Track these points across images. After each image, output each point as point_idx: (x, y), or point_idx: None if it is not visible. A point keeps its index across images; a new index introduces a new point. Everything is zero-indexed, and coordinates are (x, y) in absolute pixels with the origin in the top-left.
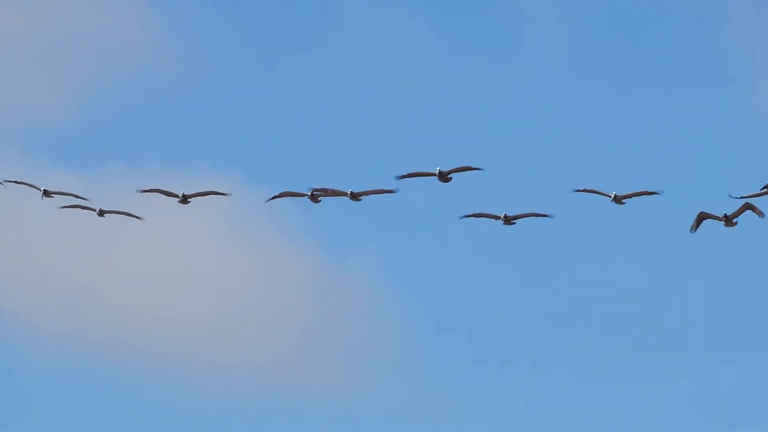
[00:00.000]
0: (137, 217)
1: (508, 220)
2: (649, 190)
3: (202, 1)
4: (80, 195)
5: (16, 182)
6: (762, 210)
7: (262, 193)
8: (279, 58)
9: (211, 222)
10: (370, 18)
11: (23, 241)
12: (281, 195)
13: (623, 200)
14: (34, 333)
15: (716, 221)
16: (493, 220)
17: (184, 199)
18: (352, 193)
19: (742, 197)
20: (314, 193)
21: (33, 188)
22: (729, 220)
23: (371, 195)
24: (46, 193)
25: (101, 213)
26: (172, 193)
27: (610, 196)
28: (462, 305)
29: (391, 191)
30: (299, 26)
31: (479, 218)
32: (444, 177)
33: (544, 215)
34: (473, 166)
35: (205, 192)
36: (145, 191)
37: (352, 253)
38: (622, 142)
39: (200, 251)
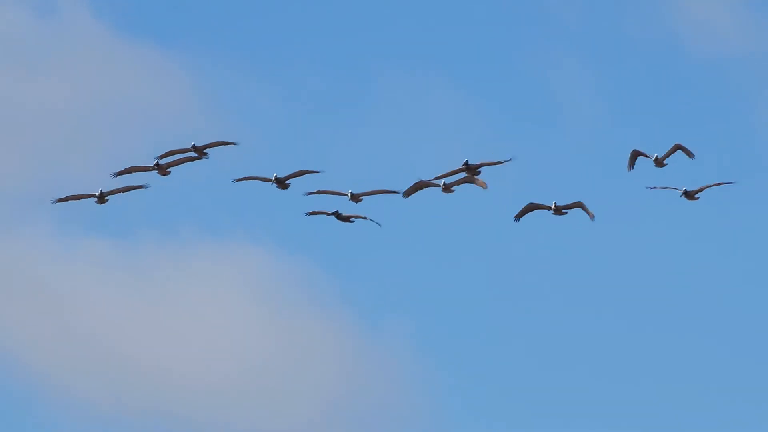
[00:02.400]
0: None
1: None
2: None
3: (239, 67)
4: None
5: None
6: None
7: (294, 261)
8: (318, 126)
9: (242, 288)
10: (411, 86)
11: (47, 301)
12: (247, 178)
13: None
14: (56, 394)
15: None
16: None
17: (162, 170)
18: (352, 194)
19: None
20: (310, 194)
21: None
22: (659, 162)
23: (373, 195)
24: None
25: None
26: (147, 168)
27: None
28: (493, 377)
29: (395, 192)
30: (340, 95)
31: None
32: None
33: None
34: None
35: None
36: (120, 173)
37: (383, 321)
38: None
39: (230, 317)
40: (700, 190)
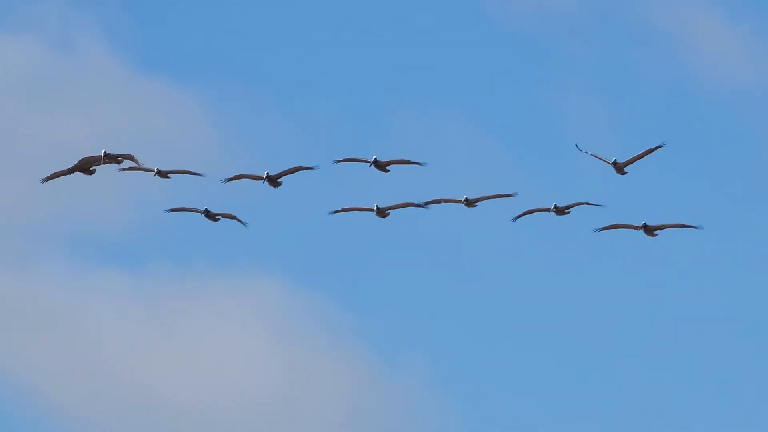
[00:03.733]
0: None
1: (382, 212)
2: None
3: (256, 103)
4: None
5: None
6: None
7: (311, 296)
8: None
9: (255, 321)
10: (427, 122)
11: (62, 334)
12: (237, 177)
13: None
14: (71, 424)
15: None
16: (366, 211)
17: (162, 174)
18: (378, 208)
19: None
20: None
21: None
22: (620, 168)
23: (399, 209)
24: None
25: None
26: (148, 169)
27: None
28: (512, 412)
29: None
30: (356, 131)
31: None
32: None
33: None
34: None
35: (180, 170)
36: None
37: (396, 354)
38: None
39: (244, 349)
40: (660, 228)
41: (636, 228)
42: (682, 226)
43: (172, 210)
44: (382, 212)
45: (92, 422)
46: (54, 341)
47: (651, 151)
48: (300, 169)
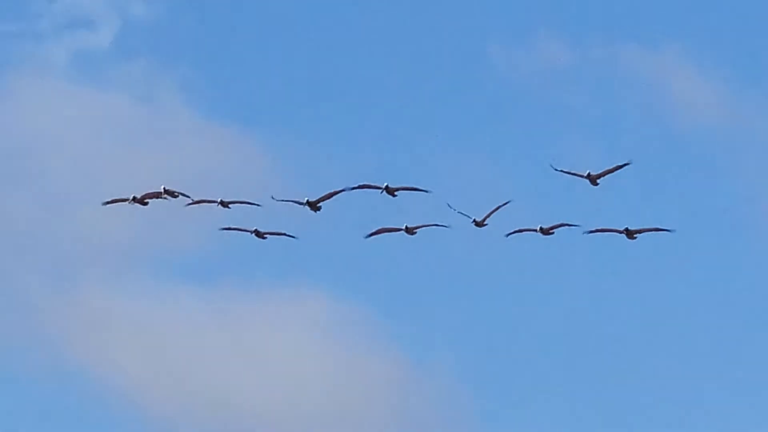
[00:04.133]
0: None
1: (410, 231)
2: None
3: (312, 144)
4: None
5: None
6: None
7: (354, 305)
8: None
9: (307, 327)
10: (451, 159)
11: (146, 342)
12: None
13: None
14: (152, 422)
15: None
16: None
17: (224, 204)
18: (407, 227)
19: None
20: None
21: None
22: (593, 180)
23: (424, 228)
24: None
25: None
26: (212, 200)
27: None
28: (544, 407)
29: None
30: (397, 168)
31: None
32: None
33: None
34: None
35: (240, 201)
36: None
37: (430, 357)
38: None
39: (298, 353)
40: (639, 232)
41: (619, 231)
42: (658, 230)
43: (224, 228)
44: (410, 231)
45: (171, 419)
46: (140, 349)
47: (620, 167)
48: (337, 194)
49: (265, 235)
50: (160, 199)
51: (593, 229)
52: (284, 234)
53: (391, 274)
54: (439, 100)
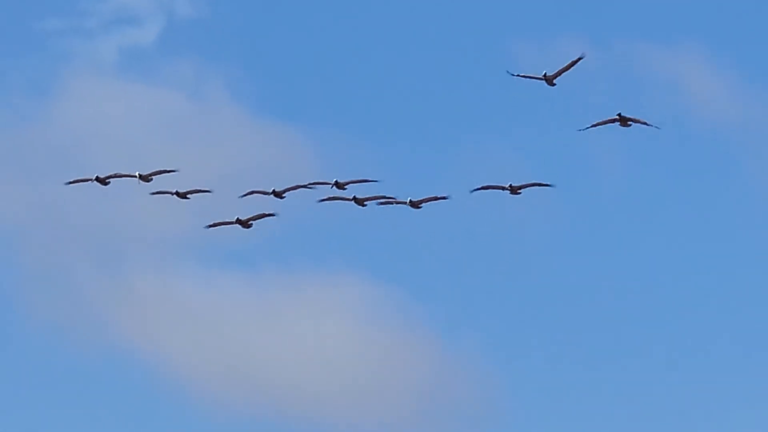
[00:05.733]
0: (272, 215)
1: (514, 190)
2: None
3: (355, 139)
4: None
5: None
6: None
7: (388, 291)
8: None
9: (344, 310)
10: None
11: (192, 323)
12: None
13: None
14: (198, 396)
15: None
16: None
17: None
18: (410, 200)
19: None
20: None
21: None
22: (550, 81)
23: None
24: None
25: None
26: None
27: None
28: (567, 383)
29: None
30: (428, 162)
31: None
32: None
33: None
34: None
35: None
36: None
37: (462, 334)
38: None
39: (334, 334)
40: (522, 187)
41: (503, 188)
42: (539, 184)
43: (210, 226)
44: (414, 204)
45: (214, 398)
46: (185, 331)
47: (574, 62)
48: (366, 181)
49: (249, 222)
50: (124, 178)
51: (479, 186)
52: (265, 215)
53: (424, 259)
54: (469, 96)
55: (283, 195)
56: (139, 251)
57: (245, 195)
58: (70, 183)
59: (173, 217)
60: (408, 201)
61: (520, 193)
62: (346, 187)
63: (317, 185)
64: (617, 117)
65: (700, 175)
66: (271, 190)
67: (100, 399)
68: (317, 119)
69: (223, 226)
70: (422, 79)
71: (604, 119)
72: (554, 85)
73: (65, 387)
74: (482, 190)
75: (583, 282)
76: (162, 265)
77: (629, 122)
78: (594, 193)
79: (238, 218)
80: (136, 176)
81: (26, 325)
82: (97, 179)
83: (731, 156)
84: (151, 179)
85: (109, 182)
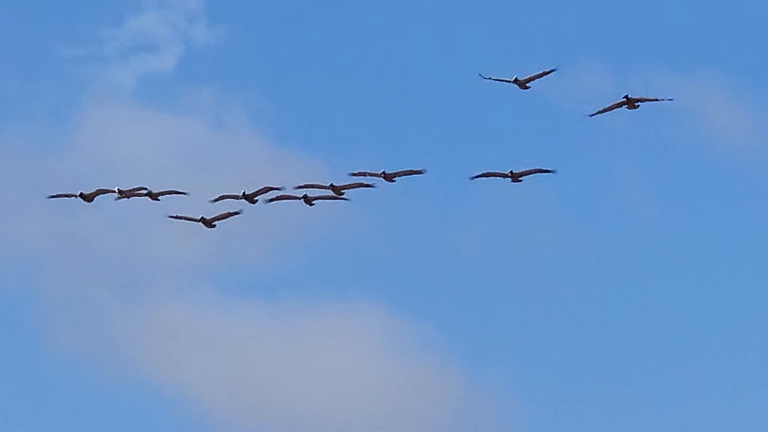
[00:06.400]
0: (238, 213)
1: (515, 177)
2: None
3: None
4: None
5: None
6: None
7: (409, 321)
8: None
9: (365, 340)
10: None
11: (212, 351)
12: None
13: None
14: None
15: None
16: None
17: (207, 223)
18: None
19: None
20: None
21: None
22: (522, 84)
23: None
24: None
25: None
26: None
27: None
28: (593, 416)
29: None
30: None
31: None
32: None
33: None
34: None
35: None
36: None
37: (486, 365)
38: None
39: (356, 364)
40: (524, 174)
41: (504, 175)
42: (540, 171)
43: (172, 217)
44: (388, 177)
45: (234, 427)
46: (205, 359)
47: (546, 73)
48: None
49: (213, 223)
50: (103, 195)
51: (478, 174)
52: (230, 214)
53: (446, 289)
54: (486, 125)
55: (255, 198)
56: (161, 280)
57: (216, 200)
58: (52, 197)
59: (194, 247)
60: (381, 173)
61: (521, 180)
62: (314, 203)
63: (308, 188)
64: (624, 99)
65: (721, 202)
66: (241, 193)
67: (121, 429)
68: (342, 147)
69: (186, 221)
70: (447, 110)
71: (611, 104)
72: (527, 88)
73: (88, 417)
74: (482, 177)
75: (612, 316)
76: (183, 294)
77: (637, 103)
78: (620, 225)
79: (202, 217)
80: (144, 193)
81: (48, 354)
82: (81, 195)
83: (753, 184)
84: (159, 199)
85: (93, 199)
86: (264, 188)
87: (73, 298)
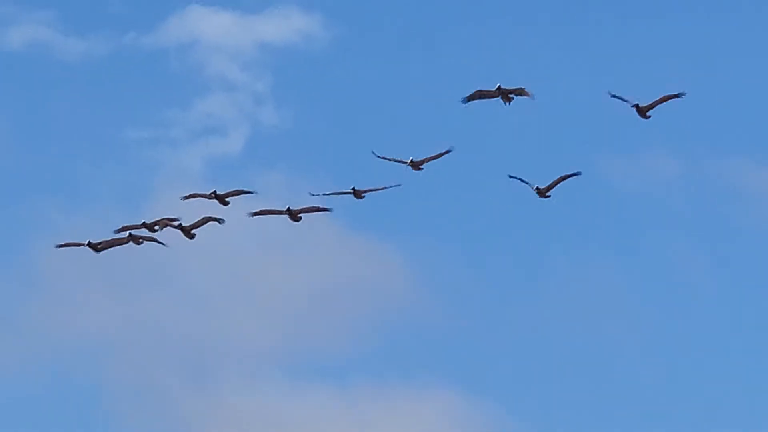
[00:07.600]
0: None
1: (542, 193)
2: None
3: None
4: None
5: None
6: None
7: (481, 406)
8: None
9: (435, 427)
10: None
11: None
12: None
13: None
14: None
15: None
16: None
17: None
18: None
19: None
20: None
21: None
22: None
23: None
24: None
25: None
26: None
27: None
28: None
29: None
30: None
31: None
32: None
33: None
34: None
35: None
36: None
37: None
38: None
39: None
40: (550, 187)
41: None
42: (567, 176)
43: (185, 197)
44: (293, 214)
45: None
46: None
47: (442, 154)
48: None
49: (227, 199)
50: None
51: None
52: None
53: (519, 373)
54: (552, 209)
55: (227, 199)
56: (229, 365)
57: (186, 198)
58: (60, 246)
59: (263, 331)
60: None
61: (549, 196)
62: (299, 216)
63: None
64: (497, 90)
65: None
66: (211, 192)
67: None
68: (411, 232)
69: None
70: (511, 195)
71: (484, 89)
72: (421, 169)
73: None
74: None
75: (691, 400)
76: (252, 379)
77: (510, 95)
78: (679, 306)
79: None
80: (177, 227)
81: None
82: (90, 245)
83: None
84: (194, 233)
85: (101, 249)
86: (236, 191)
87: (143, 384)
